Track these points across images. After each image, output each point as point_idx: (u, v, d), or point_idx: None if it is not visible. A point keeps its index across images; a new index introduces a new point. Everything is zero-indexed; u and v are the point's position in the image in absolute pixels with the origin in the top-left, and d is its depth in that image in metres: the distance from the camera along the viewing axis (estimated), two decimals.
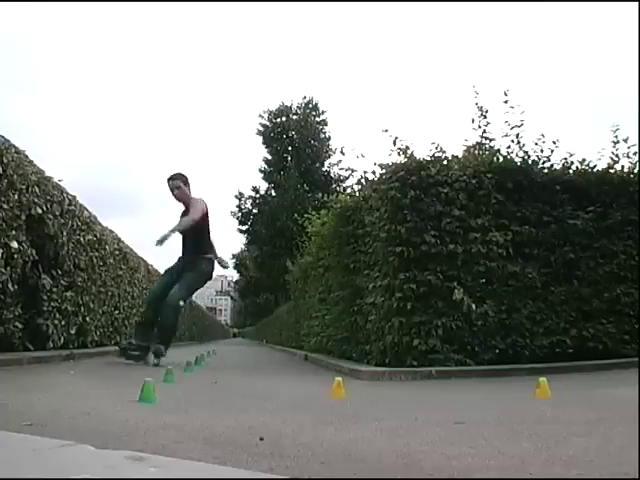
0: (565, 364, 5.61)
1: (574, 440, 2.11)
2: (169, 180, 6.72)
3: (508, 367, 5.52)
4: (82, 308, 7.77)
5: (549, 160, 6.54)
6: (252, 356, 13.43)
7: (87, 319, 8.03)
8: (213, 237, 6.98)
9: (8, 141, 5.77)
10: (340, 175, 34.16)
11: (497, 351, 5.78)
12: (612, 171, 6.52)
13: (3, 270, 5.44)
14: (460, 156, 6.55)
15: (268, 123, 37.23)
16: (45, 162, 6.79)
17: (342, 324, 7.59)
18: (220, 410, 3.00)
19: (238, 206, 38.39)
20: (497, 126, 6.90)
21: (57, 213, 6.85)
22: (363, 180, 7.17)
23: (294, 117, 37.04)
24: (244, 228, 38.89)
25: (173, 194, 6.70)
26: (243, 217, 38.52)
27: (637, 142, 6.57)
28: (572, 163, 6.54)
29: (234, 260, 44.87)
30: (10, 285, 5.55)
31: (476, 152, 6.84)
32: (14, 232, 5.66)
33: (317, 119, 37.02)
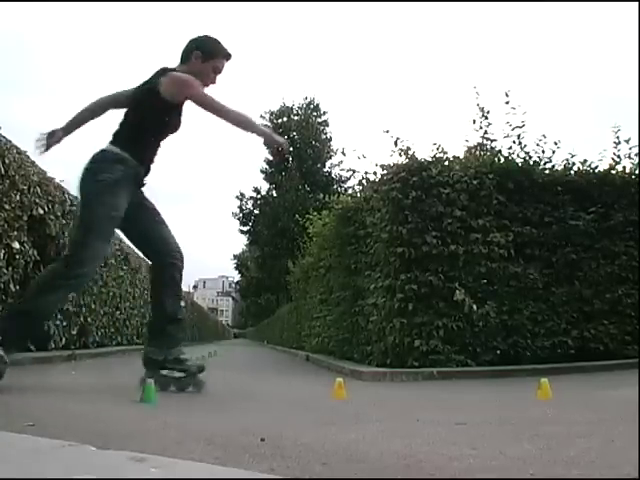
0: (566, 365, 5.61)
1: (575, 441, 2.11)
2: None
3: (509, 368, 5.52)
4: (83, 309, 7.78)
5: (550, 161, 6.57)
6: (253, 357, 13.43)
7: (88, 320, 8.04)
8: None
9: (10, 141, 5.77)
10: (341, 176, 34.25)
11: (498, 352, 5.78)
12: (613, 172, 6.52)
13: (5, 271, 5.45)
14: (461, 157, 6.57)
15: (269, 124, 37.21)
16: (46, 162, 6.80)
17: (343, 325, 7.59)
18: (221, 410, 3.00)
19: (239, 207, 38.52)
20: (498, 127, 6.94)
21: (59, 214, 6.85)
22: (364, 181, 7.20)
23: (295, 118, 37.08)
24: (245, 229, 38.99)
25: None
26: (244, 218, 38.60)
27: (638, 143, 6.58)
28: (573, 164, 6.55)
29: (235, 261, 44.94)
30: (12, 285, 5.55)
31: (477, 153, 6.85)
32: (16, 233, 5.66)
33: (318, 120, 37.06)
